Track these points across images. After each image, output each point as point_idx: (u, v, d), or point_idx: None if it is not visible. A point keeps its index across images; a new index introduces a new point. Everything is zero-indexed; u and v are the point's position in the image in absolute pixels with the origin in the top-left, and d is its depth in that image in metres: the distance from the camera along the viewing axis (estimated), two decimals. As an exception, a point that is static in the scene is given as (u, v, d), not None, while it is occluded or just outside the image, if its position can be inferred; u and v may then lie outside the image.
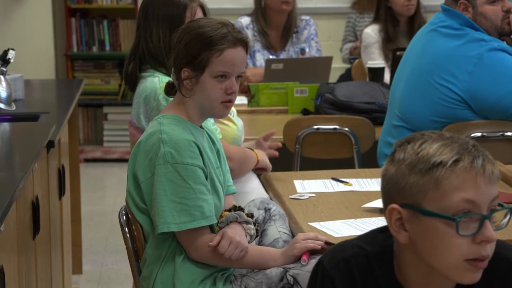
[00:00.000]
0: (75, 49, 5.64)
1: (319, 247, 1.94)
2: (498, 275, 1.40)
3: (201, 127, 2.06)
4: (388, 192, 1.37)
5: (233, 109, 2.68)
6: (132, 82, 2.60)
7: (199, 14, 2.57)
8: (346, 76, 4.54)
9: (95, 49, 5.66)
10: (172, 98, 2.09)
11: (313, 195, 2.36)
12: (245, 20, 4.06)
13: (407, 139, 1.37)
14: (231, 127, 2.61)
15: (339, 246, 1.44)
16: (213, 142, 2.10)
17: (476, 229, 1.31)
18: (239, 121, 2.66)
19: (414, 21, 4.06)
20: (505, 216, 1.36)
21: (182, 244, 1.98)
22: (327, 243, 1.95)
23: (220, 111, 2.02)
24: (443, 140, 1.34)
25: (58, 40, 5.64)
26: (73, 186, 3.52)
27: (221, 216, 2.02)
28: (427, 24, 2.89)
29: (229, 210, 2.03)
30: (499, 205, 1.34)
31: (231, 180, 2.15)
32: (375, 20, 4.18)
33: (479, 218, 1.31)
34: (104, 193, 5.10)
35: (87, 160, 5.60)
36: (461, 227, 1.30)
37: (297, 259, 1.96)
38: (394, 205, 1.35)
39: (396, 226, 1.35)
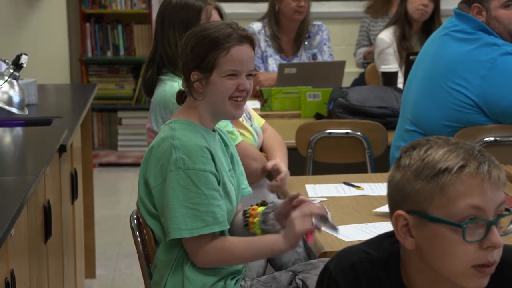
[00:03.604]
0: (89, 54, 5.67)
1: (315, 227, 1.89)
2: (505, 280, 1.39)
3: (213, 130, 2.06)
4: (394, 198, 1.37)
5: (252, 114, 2.67)
6: (149, 88, 2.61)
7: (214, 16, 2.57)
8: (359, 81, 4.54)
9: (109, 54, 5.69)
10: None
11: (324, 199, 2.36)
12: (256, 26, 4.08)
13: (412, 145, 1.37)
14: (247, 136, 2.61)
15: (345, 251, 1.44)
16: (226, 144, 2.10)
17: (483, 235, 1.30)
18: (257, 128, 2.64)
19: (430, 28, 4.05)
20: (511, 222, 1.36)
21: (189, 250, 1.96)
22: (322, 217, 1.90)
23: (231, 110, 2.00)
24: (449, 145, 1.33)
25: (72, 45, 5.68)
26: (86, 190, 3.53)
27: (252, 209, 2.01)
28: (440, 29, 2.89)
29: (257, 205, 2.03)
30: (506, 209, 1.33)
31: (245, 182, 2.15)
32: (389, 24, 4.19)
33: (486, 224, 1.30)
34: (118, 198, 5.12)
35: (101, 165, 5.63)
36: (468, 233, 1.29)
37: (299, 237, 1.90)
38: (400, 212, 1.35)
39: (403, 232, 1.35)
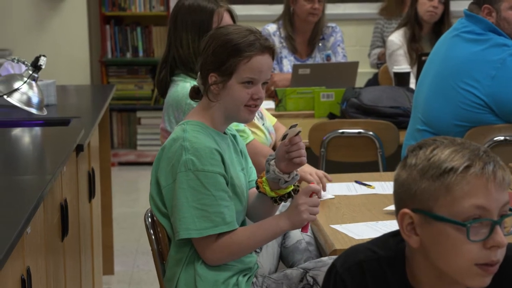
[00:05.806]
0: (109, 56, 5.74)
1: (315, 217, 1.97)
2: (508, 278, 1.41)
3: (224, 132, 2.09)
4: (400, 197, 1.39)
5: (264, 113, 2.70)
6: (163, 88, 2.65)
7: (226, 19, 2.60)
8: (373, 81, 4.55)
9: (128, 55, 5.75)
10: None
11: (332, 197, 2.39)
12: (271, 28, 4.11)
13: (419, 145, 1.38)
14: (259, 135, 2.64)
15: (352, 249, 1.46)
16: (237, 143, 2.13)
17: (487, 234, 1.31)
18: (269, 126, 2.66)
19: (440, 29, 4.06)
20: (515, 221, 1.37)
21: (199, 249, 1.99)
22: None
23: (245, 115, 2.04)
24: (455, 146, 1.34)
25: (93, 46, 5.75)
26: (104, 189, 3.56)
27: (259, 177, 2.06)
28: (450, 30, 2.90)
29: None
30: (510, 210, 1.34)
31: (253, 176, 2.17)
32: (399, 26, 4.21)
33: (490, 223, 1.31)
34: (137, 196, 5.18)
35: (121, 164, 5.70)
36: (472, 233, 1.31)
37: (304, 223, 1.97)
38: (406, 210, 1.36)
39: (408, 230, 1.37)
